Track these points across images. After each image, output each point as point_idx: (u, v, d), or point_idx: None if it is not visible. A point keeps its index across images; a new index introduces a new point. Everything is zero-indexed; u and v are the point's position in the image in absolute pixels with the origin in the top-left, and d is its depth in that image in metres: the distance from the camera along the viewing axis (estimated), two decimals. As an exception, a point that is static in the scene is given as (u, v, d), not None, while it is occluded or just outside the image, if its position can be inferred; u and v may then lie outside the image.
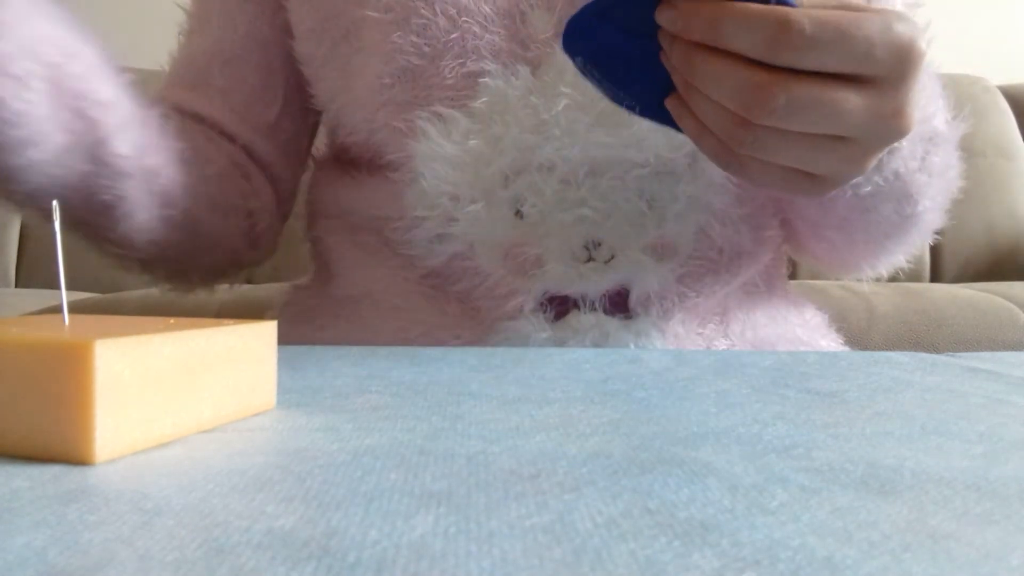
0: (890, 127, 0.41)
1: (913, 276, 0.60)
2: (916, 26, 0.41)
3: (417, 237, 0.53)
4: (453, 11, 0.52)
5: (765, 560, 0.16)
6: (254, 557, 0.15)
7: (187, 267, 0.62)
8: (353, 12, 0.54)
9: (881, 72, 0.40)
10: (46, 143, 0.47)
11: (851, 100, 0.40)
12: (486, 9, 0.52)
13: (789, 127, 0.40)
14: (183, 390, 0.25)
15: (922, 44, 0.41)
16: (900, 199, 0.53)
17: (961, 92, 2.08)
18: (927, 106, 0.50)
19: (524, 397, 0.32)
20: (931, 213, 0.56)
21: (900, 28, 0.40)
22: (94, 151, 0.49)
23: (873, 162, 0.44)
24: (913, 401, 0.32)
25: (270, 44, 0.62)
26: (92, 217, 0.52)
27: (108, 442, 0.22)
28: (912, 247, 0.59)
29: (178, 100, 0.61)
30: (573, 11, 0.50)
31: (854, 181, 0.47)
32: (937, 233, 0.59)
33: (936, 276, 1.96)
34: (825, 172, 0.43)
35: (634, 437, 0.25)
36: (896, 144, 0.47)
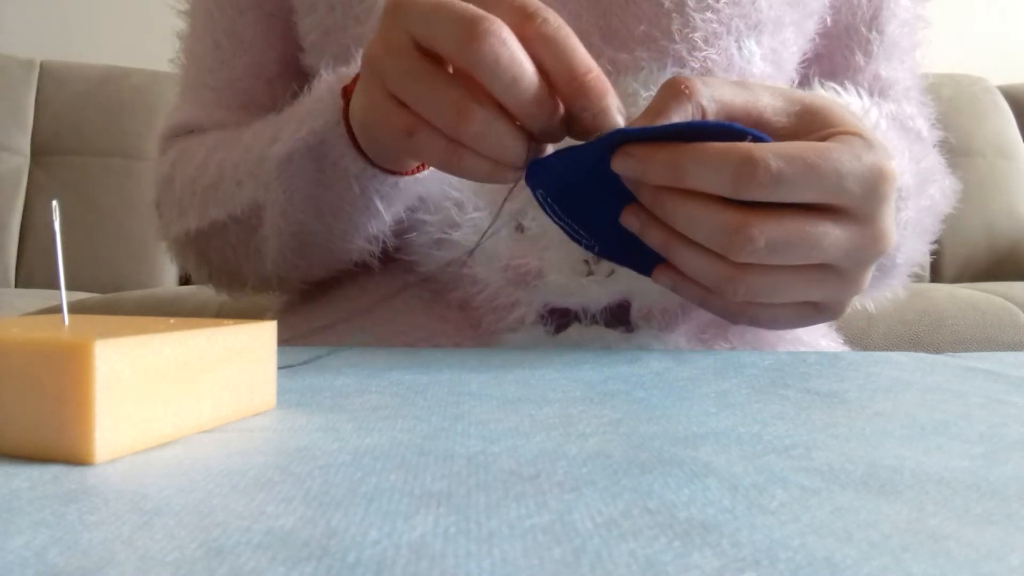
0: (872, 251, 0.42)
1: (913, 276, 0.61)
2: (884, 150, 0.41)
3: (417, 241, 0.52)
4: None
5: (765, 560, 0.16)
6: (254, 557, 0.15)
7: None
8: (354, 29, 0.54)
9: (855, 202, 0.40)
10: None
11: (831, 231, 0.40)
12: None
13: (773, 263, 0.40)
14: (183, 390, 0.25)
15: (892, 167, 0.41)
16: None
17: (961, 92, 2.08)
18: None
19: (524, 397, 0.32)
20: (909, 261, 0.58)
21: (869, 157, 0.39)
22: None
23: (867, 279, 0.44)
24: (913, 401, 0.32)
25: (297, 60, 0.62)
26: None
27: (108, 442, 0.22)
28: (889, 289, 0.60)
29: (235, 120, 0.61)
30: (579, 28, 0.50)
31: None
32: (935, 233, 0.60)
33: (936, 276, 1.96)
34: (822, 300, 0.43)
35: (634, 437, 0.25)
36: None
